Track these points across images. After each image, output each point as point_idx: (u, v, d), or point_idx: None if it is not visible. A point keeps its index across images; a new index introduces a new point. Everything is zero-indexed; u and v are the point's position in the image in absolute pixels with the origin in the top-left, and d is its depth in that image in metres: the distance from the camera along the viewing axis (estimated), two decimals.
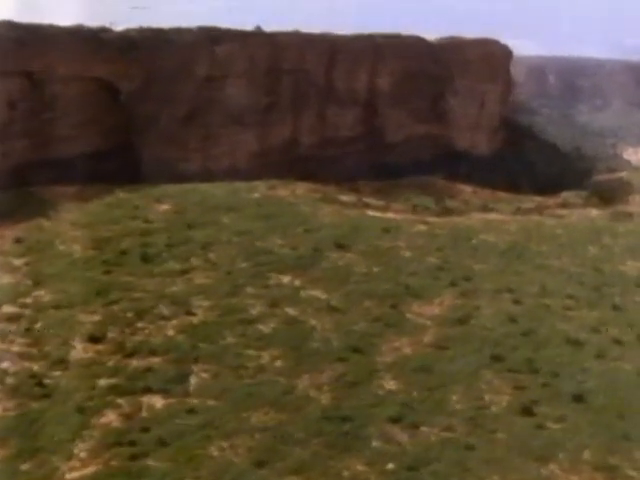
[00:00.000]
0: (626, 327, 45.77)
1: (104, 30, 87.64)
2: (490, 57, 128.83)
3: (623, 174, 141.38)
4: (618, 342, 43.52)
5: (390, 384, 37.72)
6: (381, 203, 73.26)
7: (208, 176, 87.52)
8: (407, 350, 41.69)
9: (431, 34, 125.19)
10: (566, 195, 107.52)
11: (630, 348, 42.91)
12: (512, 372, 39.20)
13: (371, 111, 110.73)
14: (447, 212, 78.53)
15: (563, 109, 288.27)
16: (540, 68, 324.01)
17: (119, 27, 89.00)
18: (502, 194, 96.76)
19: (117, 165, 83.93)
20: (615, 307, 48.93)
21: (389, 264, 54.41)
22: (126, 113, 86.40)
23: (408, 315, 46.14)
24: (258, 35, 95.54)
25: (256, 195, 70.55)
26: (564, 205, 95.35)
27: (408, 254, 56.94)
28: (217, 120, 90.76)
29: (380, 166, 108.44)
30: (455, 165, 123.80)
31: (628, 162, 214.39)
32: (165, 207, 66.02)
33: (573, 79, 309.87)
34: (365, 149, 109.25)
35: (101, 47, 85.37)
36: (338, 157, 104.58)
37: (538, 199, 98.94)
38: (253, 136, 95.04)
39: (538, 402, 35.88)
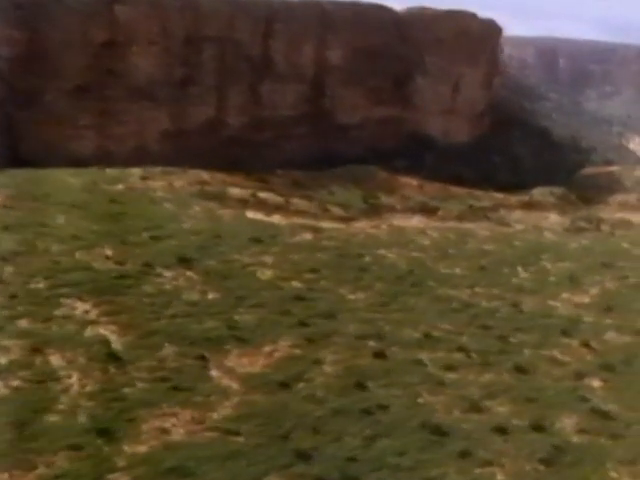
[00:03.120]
0: (522, 403, 32.00)
1: None
2: (467, 33, 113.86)
3: (615, 169, 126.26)
4: (502, 430, 29.75)
5: None
6: (280, 200, 59.65)
7: (107, 158, 74.62)
8: (178, 434, 28.29)
9: (398, 4, 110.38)
10: (538, 192, 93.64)
11: (516, 441, 29.21)
12: None
13: (318, 89, 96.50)
14: (372, 212, 65.06)
15: (572, 95, 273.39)
16: (551, 51, 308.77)
17: None
18: (456, 189, 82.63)
19: None
20: (518, 368, 35.06)
21: (232, 290, 40.92)
22: (4, 85, 73.18)
23: (213, 372, 32.70)
24: None
25: (118, 187, 57.29)
26: (528, 205, 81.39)
27: (267, 275, 43.36)
28: (118, 94, 77.52)
29: (327, 153, 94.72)
30: (421, 154, 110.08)
31: (633, 153, 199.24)
32: None
33: (584, 64, 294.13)
34: (310, 132, 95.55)
35: None
36: (275, 141, 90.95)
37: (500, 196, 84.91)
38: (166, 114, 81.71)
39: None
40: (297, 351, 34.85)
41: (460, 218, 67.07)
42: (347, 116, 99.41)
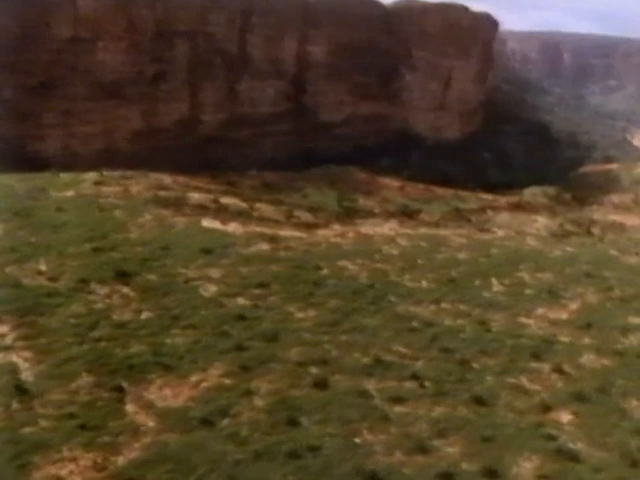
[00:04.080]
0: (476, 443, 28.11)
1: None
2: (457, 27, 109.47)
3: (614, 166, 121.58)
4: (447, 477, 25.94)
5: None
6: (243, 206, 55.78)
7: (73, 159, 71.30)
8: None
9: None
10: (530, 192, 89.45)
11: None
12: None
13: (299, 85, 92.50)
14: (346, 216, 61.11)
15: (574, 89, 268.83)
16: (554, 45, 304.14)
17: None
18: (441, 190, 78.60)
19: None
20: (477, 399, 31.13)
21: (169, 308, 37.28)
22: None
23: (129, 407, 29.00)
24: None
25: (68, 194, 53.67)
26: (517, 206, 77.18)
27: (210, 291, 39.62)
28: (84, 92, 73.85)
29: (309, 151, 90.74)
30: (408, 152, 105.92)
31: (636, 148, 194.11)
32: None
33: (587, 58, 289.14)
34: (291, 130, 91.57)
35: None
36: (254, 140, 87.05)
37: (488, 197, 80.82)
38: (137, 112, 77.81)
39: None
40: (227, 381, 31.06)
41: (440, 222, 63.01)
42: (330, 113, 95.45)
